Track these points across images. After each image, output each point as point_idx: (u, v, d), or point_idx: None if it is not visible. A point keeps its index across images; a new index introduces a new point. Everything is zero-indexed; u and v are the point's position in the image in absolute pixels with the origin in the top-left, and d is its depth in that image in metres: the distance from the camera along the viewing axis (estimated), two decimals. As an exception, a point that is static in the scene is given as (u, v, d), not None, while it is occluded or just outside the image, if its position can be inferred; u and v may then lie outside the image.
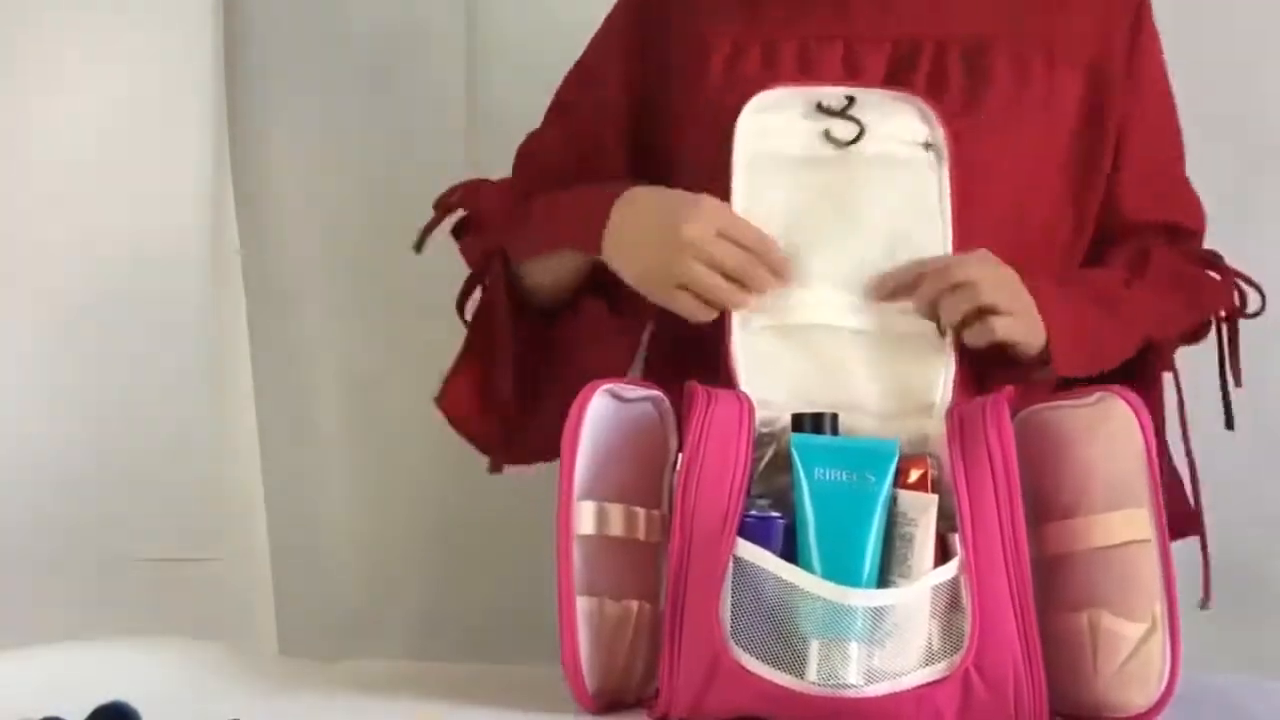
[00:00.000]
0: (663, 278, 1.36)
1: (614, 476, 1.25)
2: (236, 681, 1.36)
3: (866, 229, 1.37)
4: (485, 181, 1.57)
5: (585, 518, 1.24)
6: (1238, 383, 1.51)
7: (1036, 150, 1.43)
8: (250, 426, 1.90)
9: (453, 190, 1.55)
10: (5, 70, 1.82)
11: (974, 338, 1.33)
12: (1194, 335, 1.52)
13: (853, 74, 1.43)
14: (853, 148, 1.37)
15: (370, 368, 1.92)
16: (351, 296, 1.93)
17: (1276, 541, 1.78)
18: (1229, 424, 1.52)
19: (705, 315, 1.35)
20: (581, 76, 1.58)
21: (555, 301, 1.52)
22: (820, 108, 1.38)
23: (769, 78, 1.42)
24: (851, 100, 1.38)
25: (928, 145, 1.38)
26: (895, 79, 1.43)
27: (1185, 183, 1.55)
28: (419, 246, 1.53)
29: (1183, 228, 1.53)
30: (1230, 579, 1.65)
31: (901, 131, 1.38)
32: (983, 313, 1.33)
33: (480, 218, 1.54)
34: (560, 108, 1.58)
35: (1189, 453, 1.45)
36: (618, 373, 1.40)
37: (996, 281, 1.34)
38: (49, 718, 1.11)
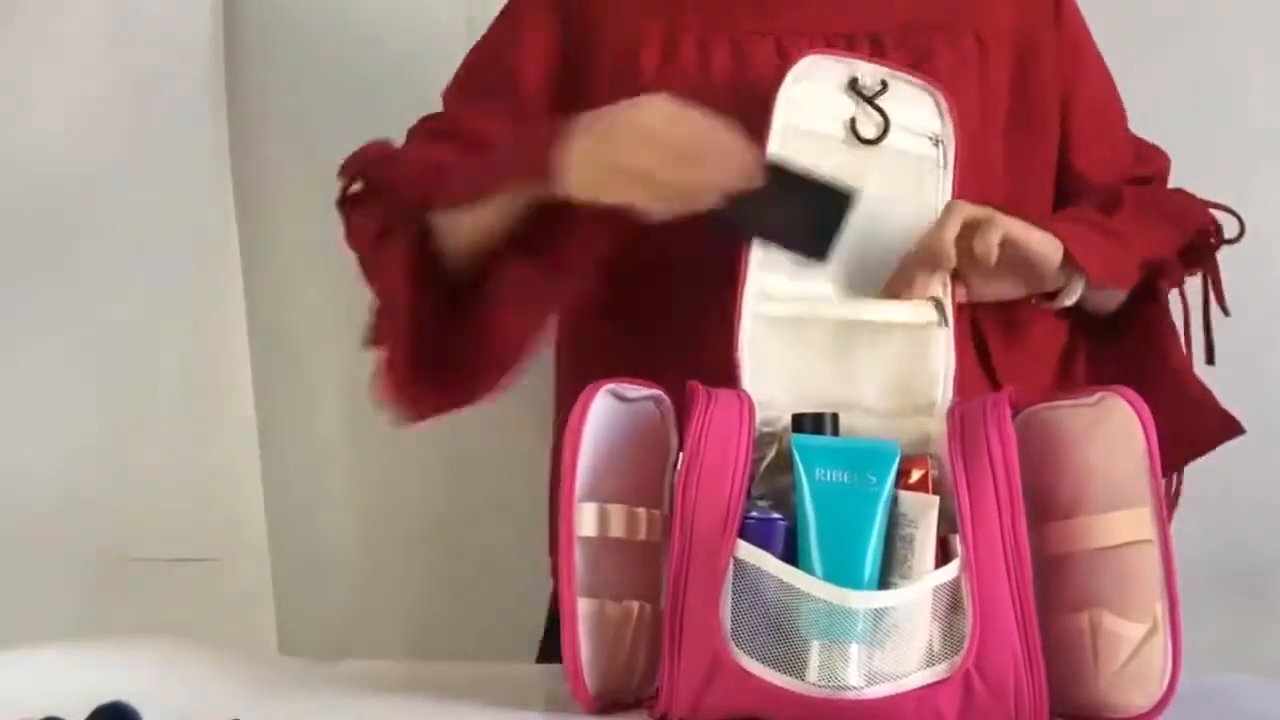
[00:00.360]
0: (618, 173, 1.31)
1: (615, 477, 1.25)
2: (236, 681, 1.36)
3: (871, 223, 1.37)
4: (384, 146, 1.51)
5: (586, 519, 1.24)
6: (1224, 311, 1.53)
7: (981, 124, 1.46)
8: (250, 425, 1.90)
9: (351, 160, 1.50)
10: (4, 63, 1.82)
11: (982, 247, 1.33)
12: (1188, 257, 1.54)
13: (786, 69, 1.41)
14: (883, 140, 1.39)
15: (370, 367, 1.92)
16: (351, 296, 1.93)
17: (1277, 541, 1.78)
18: (1210, 359, 1.53)
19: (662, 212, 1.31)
20: (484, 75, 1.52)
21: (469, 265, 1.45)
22: (854, 86, 1.39)
23: (703, 74, 1.43)
24: (885, 86, 1.39)
25: (936, 140, 1.40)
26: None
27: (1137, 139, 1.60)
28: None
29: (1148, 177, 1.58)
30: (1231, 578, 1.66)
31: (916, 124, 1.40)
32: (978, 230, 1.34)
33: (387, 179, 1.48)
34: (461, 102, 1.54)
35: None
36: (535, 331, 1.41)
37: (978, 207, 1.36)
38: (49, 718, 1.11)
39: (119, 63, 1.86)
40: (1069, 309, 1.48)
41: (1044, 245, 1.38)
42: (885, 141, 1.39)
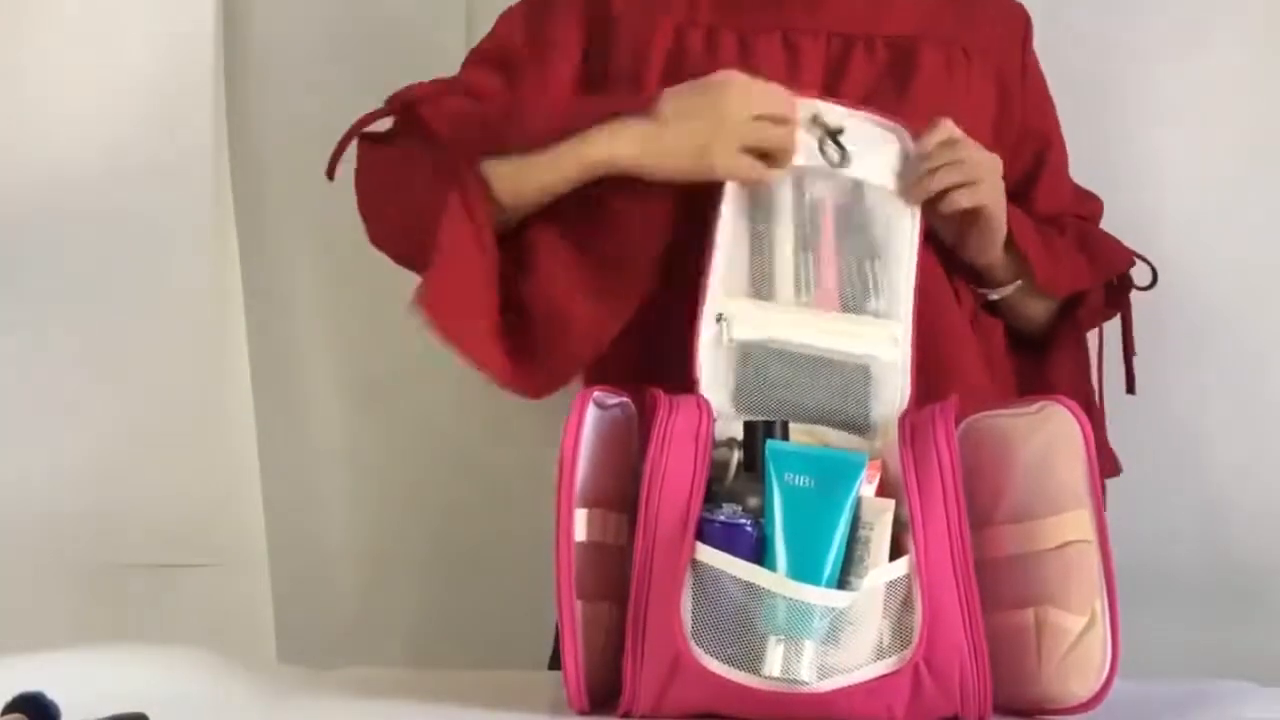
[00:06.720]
0: (720, 143, 1.43)
1: (596, 482, 1.32)
2: (235, 688, 1.38)
3: (840, 245, 1.45)
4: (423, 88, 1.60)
5: (580, 524, 1.28)
6: (1133, 351, 1.65)
7: (968, 130, 1.52)
8: (249, 431, 1.91)
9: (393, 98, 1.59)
10: (4, 65, 1.84)
11: (961, 200, 1.47)
12: (1109, 296, 1.66)
13: (793, 64, 1.53)
14: (842, 166, 1.47)
15: (370, 372, 1.94)
16: (352, 300, 1.95)
17: (1277, 542, 1.80)
18: (1130, 388, 1.65)
19: (760, 178, 1.44)
20: (514, 50, 1.61)
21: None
22: (815, 121, 1.47)
23: (712, 66, 1.51)
24: (841, 130, 1.48)
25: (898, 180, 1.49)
26: (833, 71, 1.55)
27: (1076, 185, 1.71)
28: (332, 170, 1.60)
29: (1084, 217, 1.69)
30: (1230, 580, 1.67)
31: (882, 165, 1.48)
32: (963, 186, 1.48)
33: (432, 118, 1.55)
34: (493, 63, 1.62)
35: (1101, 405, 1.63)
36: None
37: (988, 164, 1.50)
38: (48, 721, 1.13)
39: (119, 63, 1.87)
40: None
41: (998, 222, 1.52)
42: (852, 172, 1.47)
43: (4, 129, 1.84)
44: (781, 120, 1.45)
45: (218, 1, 1.91)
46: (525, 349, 1.50)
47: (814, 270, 1.45)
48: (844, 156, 1.46)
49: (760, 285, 1.45)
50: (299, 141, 1.95)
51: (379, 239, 1.60)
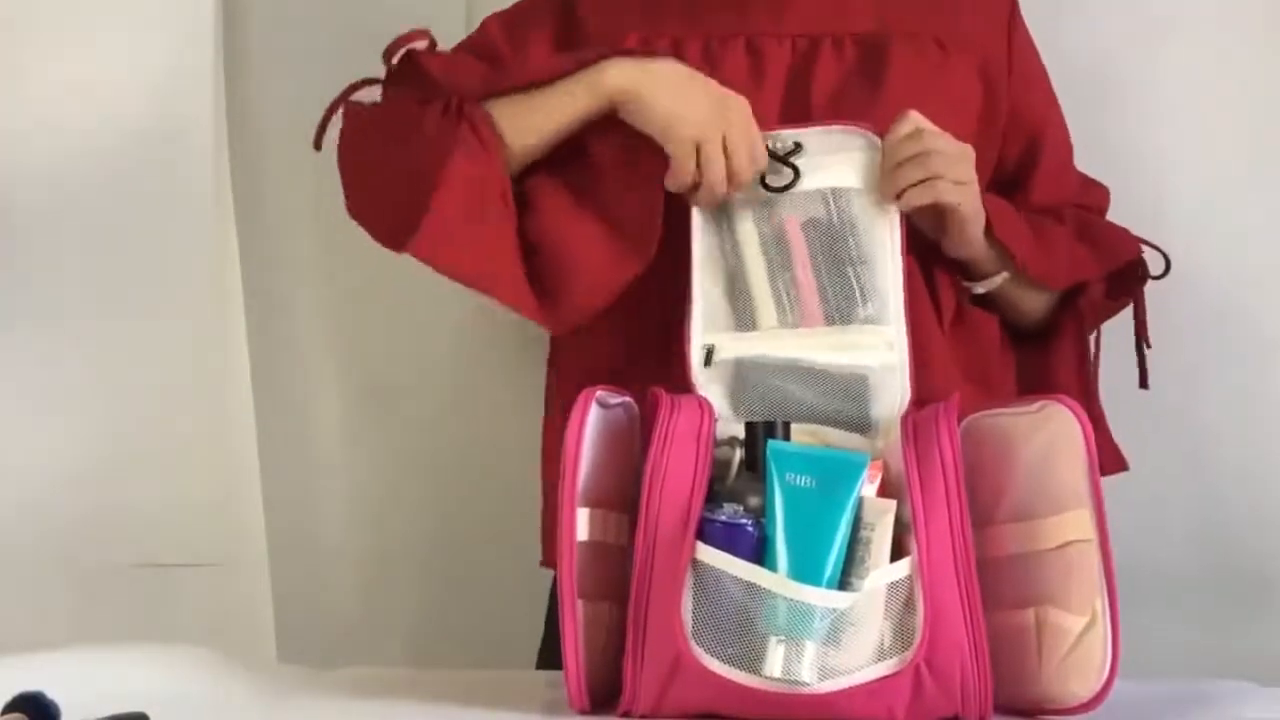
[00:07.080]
0: (693, 127, 1.45)
1: (598, 482, 1.33)
2: (235, 687, 1.39)
3: (816, 260, 1.44)
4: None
5: (581, 524, 1.28)
6: (1147, 344, 1.63)
7: (948, 125, 1.51)
8: (250, 431, 1.92)
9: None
10: (4, 65, 1.84)
11: (916, 197, 1.45)
12: (1115, 287, 1.64)
13: (758, 69, 1.54)
14: (792, 188, 1.47)
15: (370, 373, 1.95)
16: (352, 300, 1.96)
17: (1277, 542, 1.81)
18: (1143, 383, 1.64)
19: (686, 181, 1.46)
20: (494, 50, 1.62)
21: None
22: (767, 150, 1.48)
23: None
24: (799, 147, 1.47)
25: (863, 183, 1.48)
26: (799, 74, 1.55)
27: (1081, 174, 1.70)
28: (319, 138, 1.61)
29: (1088, 206, 1.67)
30: (1230, 580, 1.68)
31: (849, 170, 1.47)
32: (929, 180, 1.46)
33: (430, 64, 1.57)
34: (475, 55, 1.63)
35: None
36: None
37: (953, 155, 1.47)
38: (47, 723, 1.14)
39: (119, 63, 1.87)
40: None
41: (972, 216, 1.50)
42: (810, 184, 1.46)
43: (4, 129, 1.84)
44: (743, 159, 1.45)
45: (218, 1, 1.92)
46: (540, 284, 1.51)
47: (794, 291, 1.45)
48: (795, 177, 1.46)
49: (742, 318, 1.45)
50: (299, 141, 1.96)
51: (362, 206, 1.57)
